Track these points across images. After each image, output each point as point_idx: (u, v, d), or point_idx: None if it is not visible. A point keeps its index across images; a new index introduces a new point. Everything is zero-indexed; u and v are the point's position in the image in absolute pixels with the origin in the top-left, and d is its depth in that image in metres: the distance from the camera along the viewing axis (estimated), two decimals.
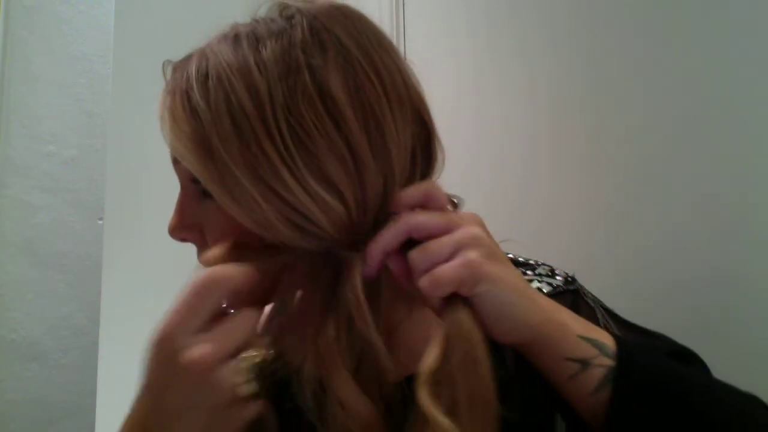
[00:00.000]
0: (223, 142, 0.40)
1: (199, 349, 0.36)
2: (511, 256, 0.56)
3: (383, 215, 0.43)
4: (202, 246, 0.48)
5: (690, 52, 0.76)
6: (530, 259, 0.56)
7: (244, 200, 0.41)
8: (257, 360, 0.43)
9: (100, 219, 1.31)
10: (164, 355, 0.38)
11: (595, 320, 0.50)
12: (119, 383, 1.09)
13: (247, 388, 0.39)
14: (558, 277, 0.53)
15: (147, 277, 1.09)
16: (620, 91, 0.82)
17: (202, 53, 0.44)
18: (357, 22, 0.45)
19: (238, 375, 0.38)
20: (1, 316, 1.34)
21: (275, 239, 0.43)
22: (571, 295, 0.52)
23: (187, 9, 1.17)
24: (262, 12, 0.46)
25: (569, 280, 0.53)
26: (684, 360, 0.48)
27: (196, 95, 0.41)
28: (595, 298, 0.54)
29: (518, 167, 0.92)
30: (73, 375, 1.34)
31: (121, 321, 1.12)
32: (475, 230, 0.40)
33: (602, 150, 0.83)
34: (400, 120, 0.43)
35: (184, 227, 0.47)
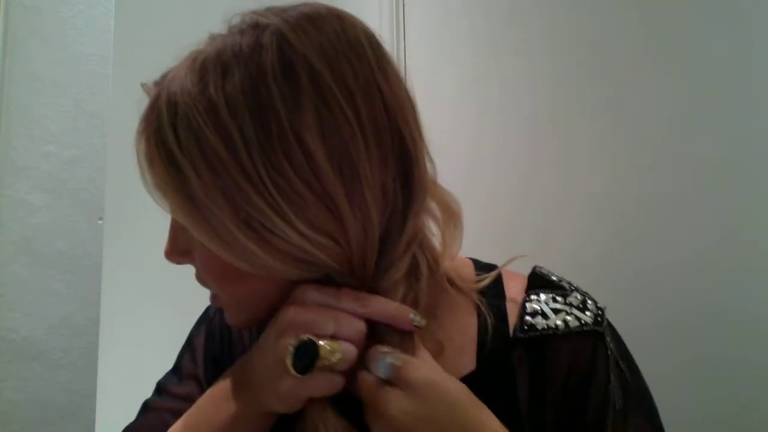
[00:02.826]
0: (205, 191, 0.39)
1: None
2: (544, 272, 0.54)
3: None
4: (197, 268, 0.48)
5: (694, 48, 0.76)
6: (563, 280, 0.54)
7: (234, 243, 0.40)
8: None
9: (100, 219, 1.31)
10: None
11: (607, 384, 0.48)
12: (119, 383, 1.09)
13: None
14: (588, 312, 0.50)
15: (147, 277, 1.09)
16: (623, 93, 0.82)
17: (170, 85, 0.41)
18: (332, 34, 0.42)
19: None
20: (1, 316, 1.34)
21: (269, 275, 0.42)
22: (593, 339, 0.49)
23: (187, 9, 1.16)
24: (236, 21, 0.44)
25: (598, 320, 0.50)
26: None
27: (169, 140, 0.40)
28: (617, 345, 0.51)
29: (520, 169, 0.92)
30: (73, 375, 1.34)
31: (121, 321, 1.12)
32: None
33: (604, 151, 0.83)
34: (376, 158, 0.42)
35: (177, 252, 0.47)
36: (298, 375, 0.40)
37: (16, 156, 1.38)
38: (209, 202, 0.39)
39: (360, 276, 0.44)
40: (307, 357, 0.40)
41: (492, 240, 0.79)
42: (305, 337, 0.40)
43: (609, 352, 0.49)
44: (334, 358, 0.40)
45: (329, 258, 0.42)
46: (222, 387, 0.48)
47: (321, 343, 0.40)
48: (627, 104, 0.81)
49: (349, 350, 0.41)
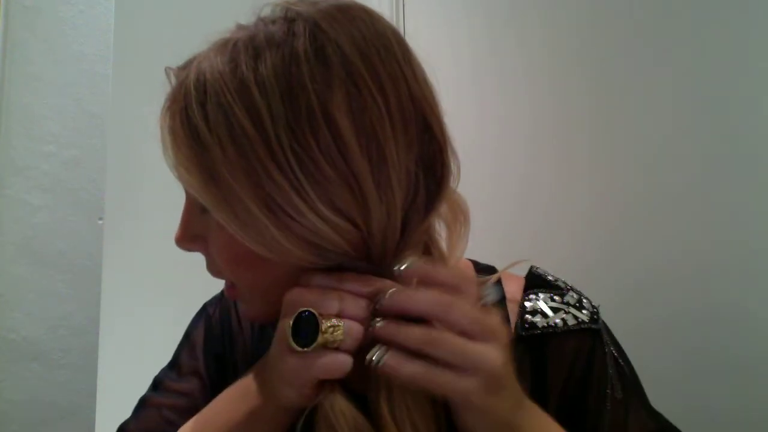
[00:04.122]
0: (229, 169, 0.39)
1: None
2: (540, 272, 0.56)
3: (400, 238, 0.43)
4: (209, 256, 0.47)
5: (696, 48, 0.76)
6: (560, 280, 0.55)
7: (252, 224, 0.40)
8: None
9: (100, 219, 1.31)
10: None
11: (605, 377, 0.50)
12: (119, 383, 1.09)
13: None
14: (584, 311, 0.52)
15: (147, 277, 1.09)
16: (624, 89, 0.81)
17: (200, 65, 0.42)
18: (362, 25, 0.43)
19: None
20: (1, 316, 1.34)
21: (284, 260, 0.42)
22: (591, 336, 0.51)
23: (188, 9, 1.17)
24: (266, 12, 0.44)
25: (594, 317, 0.52)
26: None
27: (196, 117, 0.40)
28: (613, 342, 0.53)
29: (521, 167, 0.91)
30: (73, 375, 1.34)
31: (121, 321, 1.12)
32: (494, 358, 0.39)
33: (606, 150, 0.83)
34: (402, 142, 0.42)
35: (189, 239, 0.47)
36: (300, 348, 0.39)
37: (16, 156, 1.38)
38: (232, 179, 0.39)
39: (377, 262, 0.43)
40: (307, 329, 0.39)
41: (493, 240, 0.78)
42: (304, 309, 0.40)
43: (606, 349, 0.51)
44: (338, 333, 0.40)
45: (346, 243, 0.42)
46: (239, 386, 0.48)
47: (325, 319, 0.40)
48: (627, 103, 0.81)
49: (353, 327, 0.41)
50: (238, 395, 0.47)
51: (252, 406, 0.45)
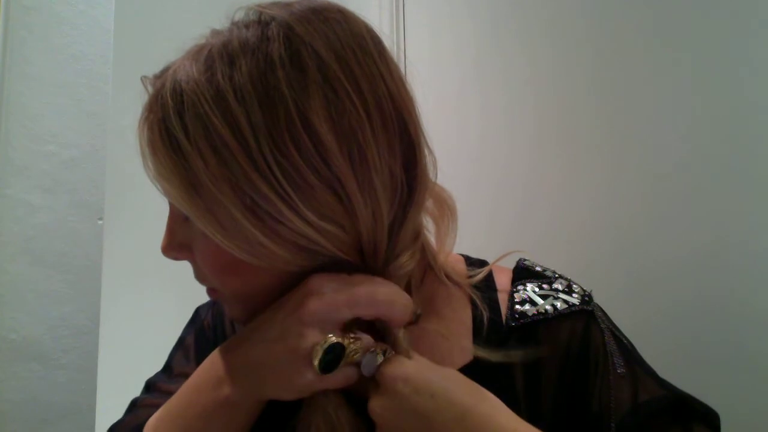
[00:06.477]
0: (211, 179, 0.39)
1: None
2: (528, 264, 0.56)
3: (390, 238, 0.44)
4: (195, 264, 0.47)
5: (703, 46, 0.75)
6: (547, 270, 0.55)
7: (238, 233, 0.40)
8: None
9: (100, 219, 1.31)
10: None
11: (604, 354, 0.49)
12: (119, 383, 1.09)
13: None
14: (574, 294, 0.52)
15: (147, 277, 1.09)
16: (629, 87, 0.81)
17: (175, 74, 0.41)
18: (337, 26, 0.42)
19: None
20: (1, 316, 1.34)
21: (272, 265, 0.42)
22: (585, 316, 0.51)
23: (187, 9, 1.16)
24: (240, 15, 0.44)
25: (586, 299, 0.52)
26: (675, 414, 0.48)
27: (175, 128, 0.40)
28: (608, 321, 0.53)
29: (525, 165, 0.91)
30: (73, 375, 1.34)
31: (121, 321, 1.12)
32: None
33: (611, 148, 0.83)
34: (383, 143, 0.42)
35: (174, 247, 0.47)
36: (322, 373, 0.41)
37: (16, 156, 1.38)
38: (215, 189, 0.39)
39: (372, 264, 0.44)
40: (333, 358, 0.41)
41: (498, 239, 0.79)
42: (333, 339, 0.40)
43: (602, 326, 0.51)
44: (357, 355, 0.42)
45: (335, 246, 0.42)
46: (208, 374, 0.47)
47: (348, 344, 0.41)
48: (632, 101, 0.81)
49: (367, 342, 0.43)
50: (208, 384, 0.46)
51: (225, 396, 0.44)
